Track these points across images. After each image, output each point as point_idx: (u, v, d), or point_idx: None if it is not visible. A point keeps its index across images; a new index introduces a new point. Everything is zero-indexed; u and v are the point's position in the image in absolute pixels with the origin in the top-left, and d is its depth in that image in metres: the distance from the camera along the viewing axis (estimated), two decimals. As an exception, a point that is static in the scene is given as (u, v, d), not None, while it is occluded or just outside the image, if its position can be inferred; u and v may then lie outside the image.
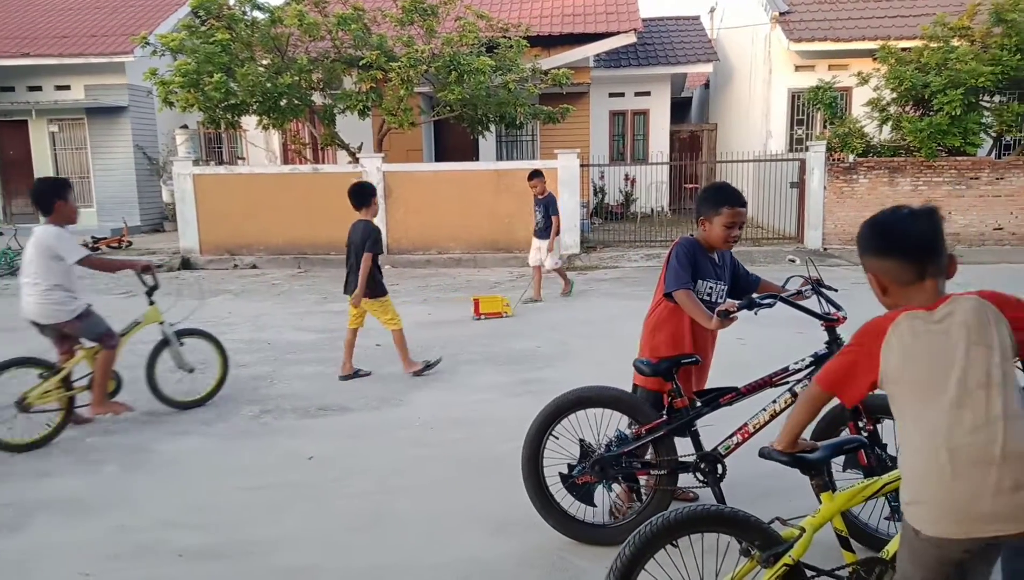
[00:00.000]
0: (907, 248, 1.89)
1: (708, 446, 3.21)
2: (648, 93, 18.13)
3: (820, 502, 2.19)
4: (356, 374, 6.01)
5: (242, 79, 11.52)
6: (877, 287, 1.98)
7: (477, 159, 16.38)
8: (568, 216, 12.34)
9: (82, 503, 3.83)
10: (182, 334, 5.32)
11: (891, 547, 2.19)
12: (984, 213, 12.28)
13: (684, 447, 3.26)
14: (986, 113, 12.25)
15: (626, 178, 17.04)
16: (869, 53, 13.51)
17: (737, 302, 3.08)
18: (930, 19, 12.98)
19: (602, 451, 3.21)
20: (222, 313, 8.76)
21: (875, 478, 2.25)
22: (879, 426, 2.99)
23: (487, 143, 16.45)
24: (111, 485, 4.06)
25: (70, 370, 4.68)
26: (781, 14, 15.32)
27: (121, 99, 16.42)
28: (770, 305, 3.12)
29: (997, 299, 1.84)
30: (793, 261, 11.73)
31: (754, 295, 3.20)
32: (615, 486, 3.30)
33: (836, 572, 2.23)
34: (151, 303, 5.17)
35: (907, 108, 12.66)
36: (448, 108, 12.59)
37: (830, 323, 3.15)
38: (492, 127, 13.73)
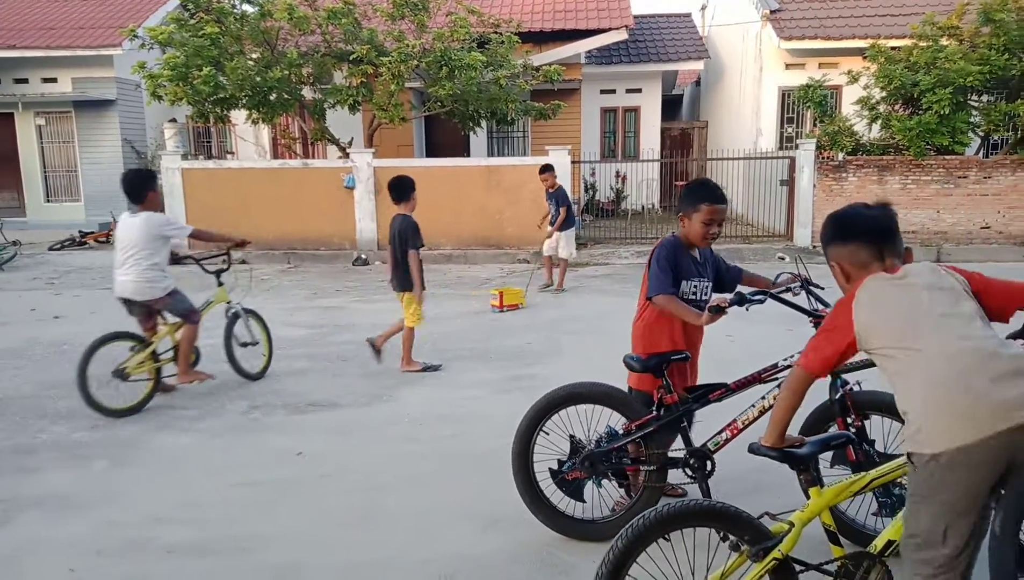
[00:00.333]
0: (865, 231, 2.14)
1: (696, 442, 3.22)
2: (639, 90, 18.15)
3: (808, 497, 2.21)
4: (426, 368, 6.00)
5: (231, 73, 11.45)
6: (840, 274, 2.18)
7: (468, 155, 16.35)
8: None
9: (70, 499, 3.80)
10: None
11: (879, 542, 2.21)
12: (972, 212, 12.37)
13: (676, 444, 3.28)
14: (974, 112, 12.33)
15: (617, 175, 17.06)
16: (859, 52, 13.56)
17: (728, 297, 3.09)
18: (920, 18, 13.04)
19: (592, 447, 3.22)
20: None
21: (863, 473, 2.27)
22: (867, 423, 3.02)
23: (478, 139, 16.41)
24: (100, 481, 4.04)
25: (158, 343, 5.21)
26: (772, 12, 15.36)
27: (109, 92, 16.27)
28: (760, 301, 3.14)
29: (951, 268, 2.09)
30: (783, 259, 11.78)
31: (745, 291, 3.22)
32: (605, 482, 3.31)
33: (824, 566, 2.25)
34: (220, 284, 5.79)
35: (896, 107, 12.73)
36: (439, 104, 12.56)
37: (818, 319, 3.17)
38: (483, 123, 13.71)
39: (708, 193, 3.28)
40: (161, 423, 4.91)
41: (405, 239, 5.83)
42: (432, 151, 17.15)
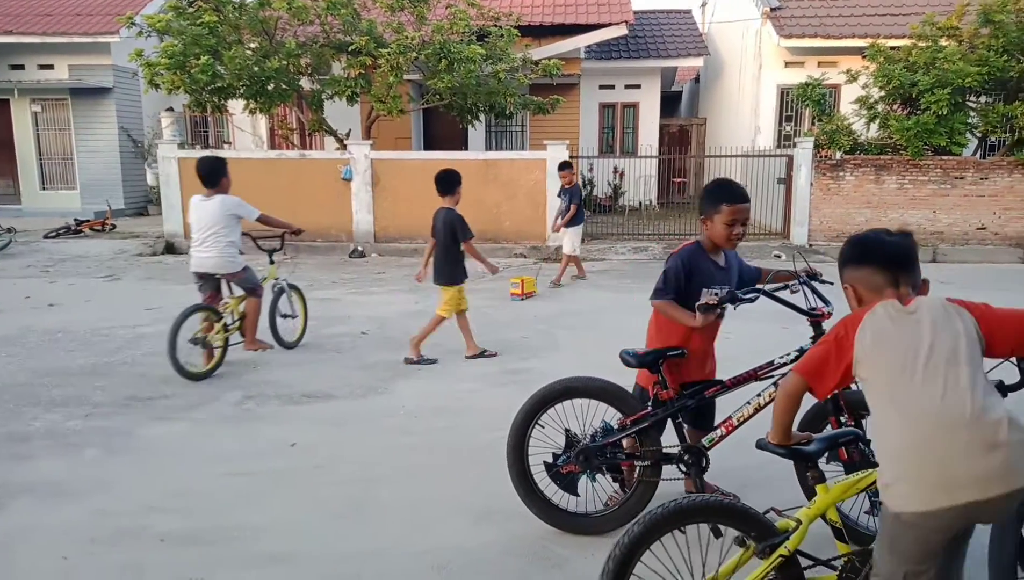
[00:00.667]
0: (881, 257, 2.10)
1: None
2: (638, 86, 18.12)
3: (808, 495, 2.22)
4: (483, 354, 6.13)
5: (229, 62, 11.38)
6: (853, 297, 2.15)
7: (466, 148, 16.31)
8: (556, 208, 12.33)
9: (63, 486, 3.80)
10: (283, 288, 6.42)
11: None
12: (968, 213, 12.39)
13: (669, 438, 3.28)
14: (972, 113, 12.34)
15: (615, 171, 17.04)
16: (858, 51, 13.56)
17: (718, 296, 3.06)
18: (919, 18, 13.04)
19: (587, 441, 3.22)
20: (206, 298, 8.69)
21: (869, 471, 2.28)
22: (864, 422, 3.02)
23: (476, 133, 16.38)
24: (93, 469, 4.03)
25: (228, 315, 5.75)
26: (772, 10, 15.35)
27: (106, 80, 16.18)
28: (751, 300, 3.11)
29: (961, 303, 2.03)
30: (779, 257, 11.80)
31: (736, 290, 3.19)
32: (599, 477, 3.32)
33: (831, 562, 2.27)
34: (272, 262, 6.44)
35: (895, 106, 12.73)
36: (437, 96, 12.52)
37: (815, 318, 3.17)
38: (481, 117, 13.67)
39: (729, 193, 3.18)
40: (155, 412, 4.90)
41: (454, 232, 5.97)
42: (430, 144, 17.11)
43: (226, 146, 17.84)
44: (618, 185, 17.02)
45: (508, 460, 3.29)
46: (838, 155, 12.53)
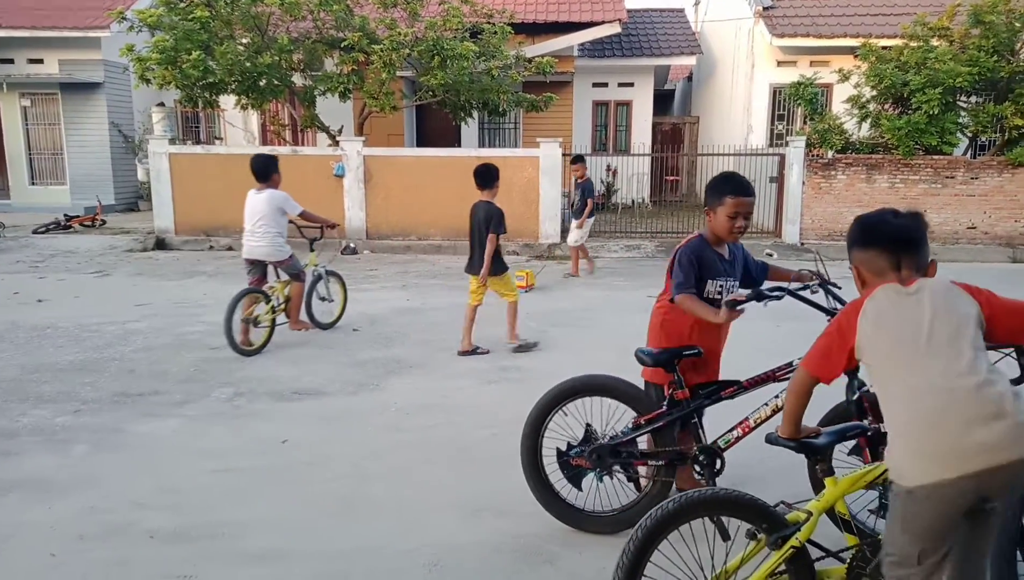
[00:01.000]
0: (884, 239, 2.10)
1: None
2: (631, 84, 18.12)
3: (815, 488, 2.24)
4: (475, 351, 6.14)
5: (221, 57, 11.32)
6: (858, 279, 2.16)
7: (459, 145, 16.28)
8: (549, 205, 12.35)
9: (52, 483, 3.77)
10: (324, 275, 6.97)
11: None
12: (958, 212, 12.47)
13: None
14: (963, 113, 12.41)
15: (608, 169, 17.05)
16: (850, 50, 13.61)
17: (745, 293, 3.07)
18: (911, 18, 13.10)
19: (603, 441, 3.21)
20: (197, 294, 8.66)
21: (877, 464, 2.30)
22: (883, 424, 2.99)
23: (469, 130, 16.35)
24: (81, 465, 4.00)
25: (275, 298, 6.33)
26: (764, 9, 15.39)
27: (96, 75, 16.07)
28: (778, 297, 3.14)
29: (965, 286, 2.04)
30: (770, 255, 11.83)
31: (764, 287, 3.20)
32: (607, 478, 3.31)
33: (841, 554, 2.29)
34: (312, 250, 6.96)
35: (886, 106, 12.79)
36: (430, 93, 12.50)
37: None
38: (475, 114, 13.65)
39: (732, 185, 3.19)
40: (144, 409, 4.87)
41: (490, 223, 6.03)
42: (423, 140, 17.08)
43: (217, 142, 17.75)
44: (611, 183, 17.03)
45: (524, 431, 3.29)
46: (830, 154, 12.58)
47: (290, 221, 6.50)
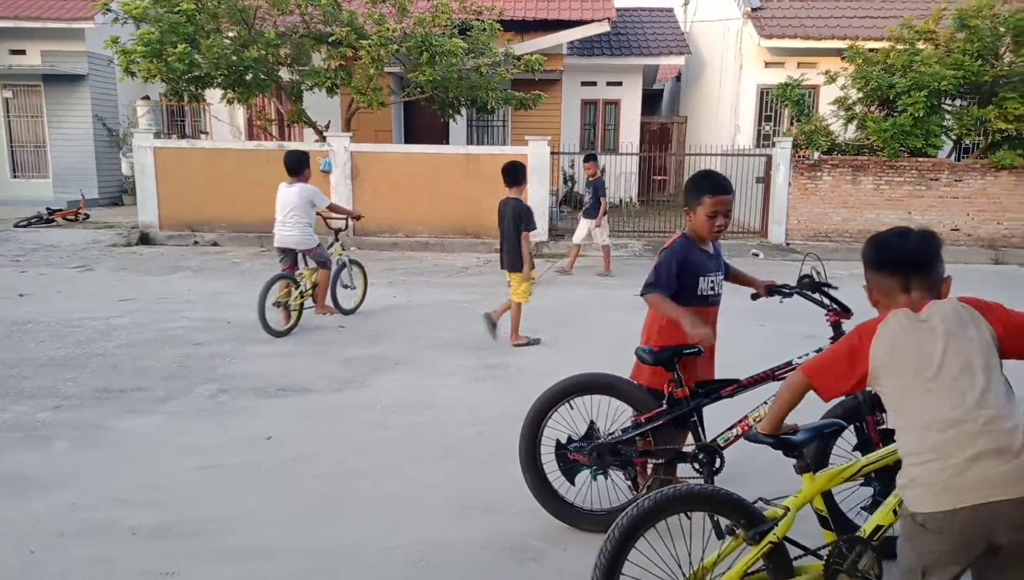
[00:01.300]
0: (892, 262, 2.09)
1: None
2: (620, 83, 18.16)
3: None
4: (530, 342, 6.35)
5: (207, 51, 11.22)
6: (870, 298, 2.16)
7: (447, 142, 16.24)
8: (537, 204, 12.32)
9: (32, 479, 3.72)
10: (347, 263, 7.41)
11: (868, 527, 2.27)
12: (942, 213, 12.59)
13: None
14: (947, 116, 12.52)
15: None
16: (837, 52, 13.70)
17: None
18: (898, 21, 13.20)
19: (603, 439, 3.21)
20: (180, 290, 8.58)
21: (853, 460, 2.33)
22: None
23: (458, 127, 16.31)
24: (62, 461, 3.95)
25: (303, 283, 6.82)
26: (753, 10, 15.45)
27: (80, 67, 15.87)
28: (789, 295, 3.32)
29: (975, 303, 2.03)
30: (756, 255, 11.89)
31: (778, 285, 3.37)
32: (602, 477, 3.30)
33: (819, 551, 2.31)
34: (336, 240, 7.44)
35: (872, 108, 12.88)
36: (419, 89, 12.45)
37: (837, 316, 3.19)
38: (463, 110, 13.62)
39: (711, 184, 3.19)
40: (127, 405, 4.82)
41: (519, 221, 6.12)
42: (411, 137, 17.01)
43: (203, 136, 17.59)
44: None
45: (527, 419, 3.29)
46: (816, 155, 12.66)
47: (317, 213, 6.94)
